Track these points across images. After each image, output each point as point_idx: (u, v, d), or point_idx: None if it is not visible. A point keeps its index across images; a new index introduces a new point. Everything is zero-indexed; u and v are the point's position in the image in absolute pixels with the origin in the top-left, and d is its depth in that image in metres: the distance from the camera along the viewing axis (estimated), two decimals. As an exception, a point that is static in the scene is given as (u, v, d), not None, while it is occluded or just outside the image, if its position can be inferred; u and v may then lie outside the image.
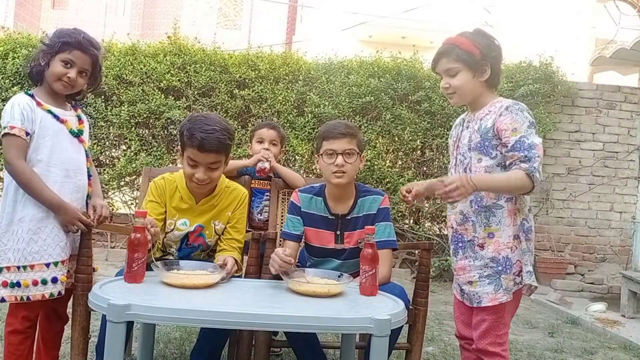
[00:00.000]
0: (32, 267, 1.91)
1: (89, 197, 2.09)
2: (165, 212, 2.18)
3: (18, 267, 1.90)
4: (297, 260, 2.28)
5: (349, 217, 2.23)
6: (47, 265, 1.93)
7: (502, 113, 1.91)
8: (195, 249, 2.23)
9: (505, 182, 1.88)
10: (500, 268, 1.93)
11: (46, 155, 1.95)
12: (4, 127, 1.90)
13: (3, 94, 5.04)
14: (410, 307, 2.17)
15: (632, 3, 7.26)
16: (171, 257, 2.21)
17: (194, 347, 2.33)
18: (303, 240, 2.27)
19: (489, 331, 1.96)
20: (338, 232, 2.22)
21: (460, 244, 2.03)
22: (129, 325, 2.07)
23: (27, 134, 1.91)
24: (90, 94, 2.21)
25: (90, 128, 2.18)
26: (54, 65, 1.95)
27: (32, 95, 1.97)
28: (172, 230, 2.18)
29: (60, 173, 1.97)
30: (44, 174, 1.93)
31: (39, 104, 1.96)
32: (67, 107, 2.07)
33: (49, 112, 1.97)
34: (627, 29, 6.72)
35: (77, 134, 2.06)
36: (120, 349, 1.56)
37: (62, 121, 2.00)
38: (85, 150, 2.10)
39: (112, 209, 5.46)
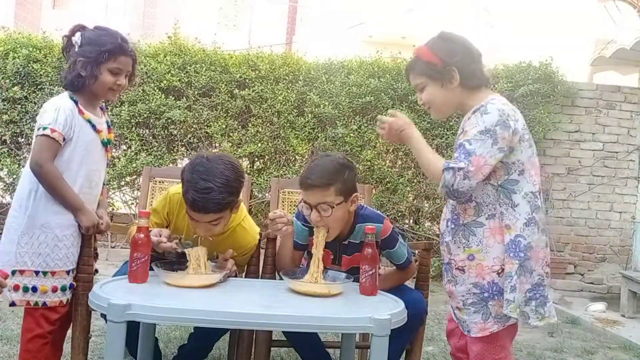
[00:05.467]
0: (53, 273, 1.88)
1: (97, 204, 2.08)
2: (169, 225, 2.13)
3: (36, 272, 1.87)
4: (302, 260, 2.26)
5: (345, 242, 2.13)
6: (68, 272, 1.92)
7: (470, 117, 1.77)
8: None
9: (426, 157, 1.78)
10: (486, 294, 1.74)
11: (76, 164, 1.92)
12: (44, 128, 1.85)
13: (3, 94, 5.04)
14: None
15: (632, 3, 7.25)
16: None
17: (186, 345, 2.35)
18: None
19: (483, 356, 1.78)
20: (335, 256, 2.15)
21: (444, 266, 1.89)
22: (135, 329, 2.07)
23: (64, 139, 1.88)
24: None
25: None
26: (103, 77, 1.91)
27: (76, 102, 1.92)
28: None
29: (85, 184, 1.96)
30: (70, 183, 1.91)
31: (80, 112, 1.92)
32: (99, 113, 2.04)
33: (89, 121, 1.95)
34: (627, 29, 6.71)
35: (107, 144, 2.04)
36: (120, 349, 1.57)
37: (97, 131, 1.98)
38: (107, 160, 2.10)
39: (113, 209, 5.46)
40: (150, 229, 1.93)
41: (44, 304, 1.88)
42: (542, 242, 1.77)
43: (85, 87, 1.93)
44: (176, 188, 2.13)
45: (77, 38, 1.93)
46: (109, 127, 2.09)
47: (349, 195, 2.00)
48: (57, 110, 1.87)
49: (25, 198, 1.90)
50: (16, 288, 1.86)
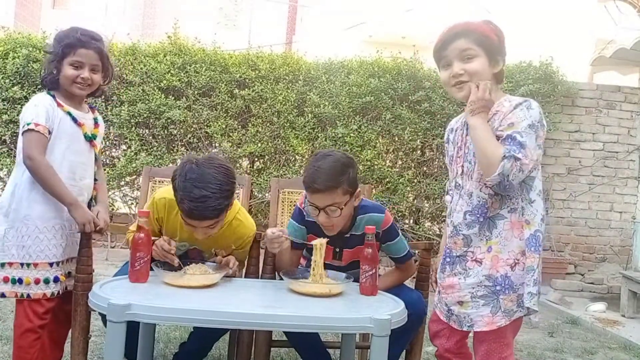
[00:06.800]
0: (35, 265, 1.92)
1: (94, 200, 2.09)
2: (161, 229, 2.12)
3: (21, 264, 1.92)
4: (304, 261, 2.27)
5: (347, 235, 2.12)
6: (51, 264, 1.95)
7: (511, 111, 1.69)
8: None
9: (486, 141, 1.64)
10: (498, 288, 1.71)
11: (58, 156, 1.96)
12: (28, 124, 1.91)
13: (3, 93, 5.04)
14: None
15: (632, 3, 7.26)
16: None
17: (186, 343, 2.34)
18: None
19: (490, 354, 1.75)
20: (337, 249, 2.15)
21: (449, 259, 1.81)
22: (135, 329, 2.07)
23: (50, 132, 1.93)
24: (107, 88, 2.23)
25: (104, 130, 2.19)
26: (65, 71, 1.97)
27: (53, 96, 1.99)
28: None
29: (68, 176, 1.98)
30: None
31: (59, 105, 1.98)
32: (85, 109, 2.10)
33: (69, 113, 2.00)
34: (627, 29, 6.71)
35: (91, 138, 2.07)
36: (120, 349, 1.56)
37: (79, 124, 2.02)
38: (96, 154, 2.11)
39: (113, 209, 5.46)
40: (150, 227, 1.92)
41: (28, 295, 1.92)
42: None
43: (57, 83, 2.01)
44: (160, 192, 2.11)
45: (50, 40, 2.03)
46: (96, 123, 2.12)
47: (354, 191, 2.02)
48: (36, 106, 1.94)
49: (10, 192, 1.96)
50: (5, 280, 1.91)
